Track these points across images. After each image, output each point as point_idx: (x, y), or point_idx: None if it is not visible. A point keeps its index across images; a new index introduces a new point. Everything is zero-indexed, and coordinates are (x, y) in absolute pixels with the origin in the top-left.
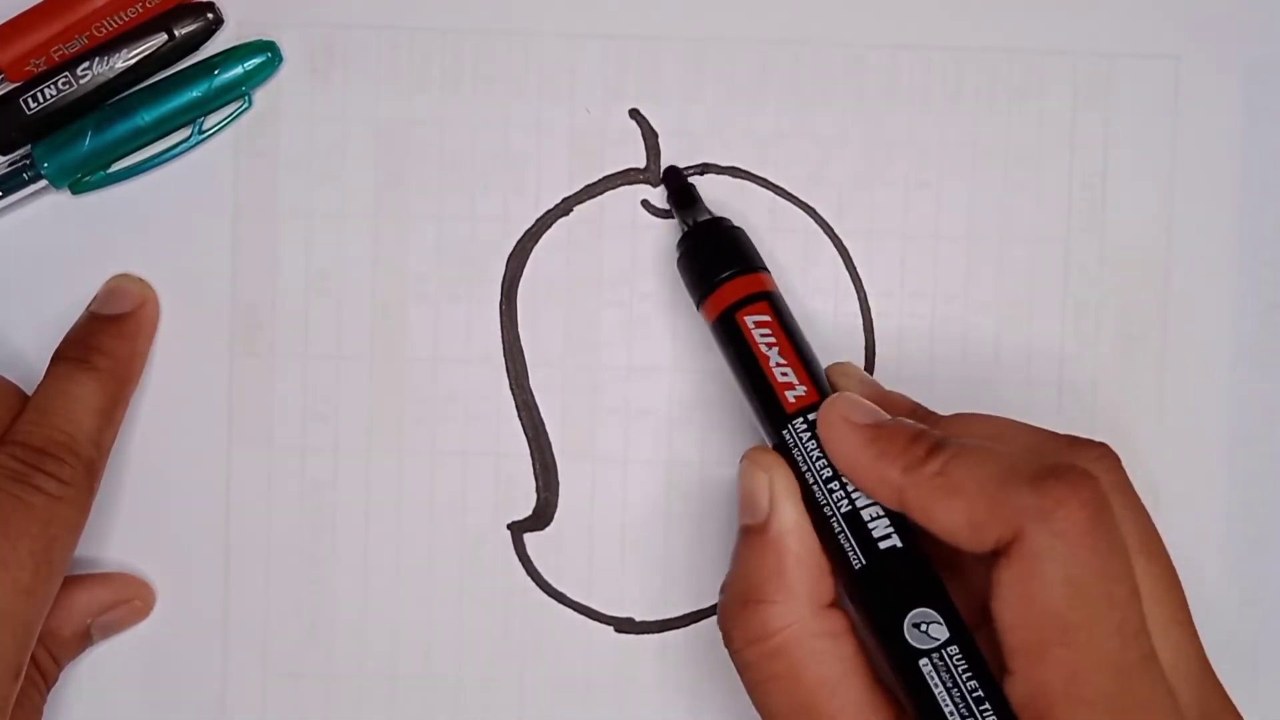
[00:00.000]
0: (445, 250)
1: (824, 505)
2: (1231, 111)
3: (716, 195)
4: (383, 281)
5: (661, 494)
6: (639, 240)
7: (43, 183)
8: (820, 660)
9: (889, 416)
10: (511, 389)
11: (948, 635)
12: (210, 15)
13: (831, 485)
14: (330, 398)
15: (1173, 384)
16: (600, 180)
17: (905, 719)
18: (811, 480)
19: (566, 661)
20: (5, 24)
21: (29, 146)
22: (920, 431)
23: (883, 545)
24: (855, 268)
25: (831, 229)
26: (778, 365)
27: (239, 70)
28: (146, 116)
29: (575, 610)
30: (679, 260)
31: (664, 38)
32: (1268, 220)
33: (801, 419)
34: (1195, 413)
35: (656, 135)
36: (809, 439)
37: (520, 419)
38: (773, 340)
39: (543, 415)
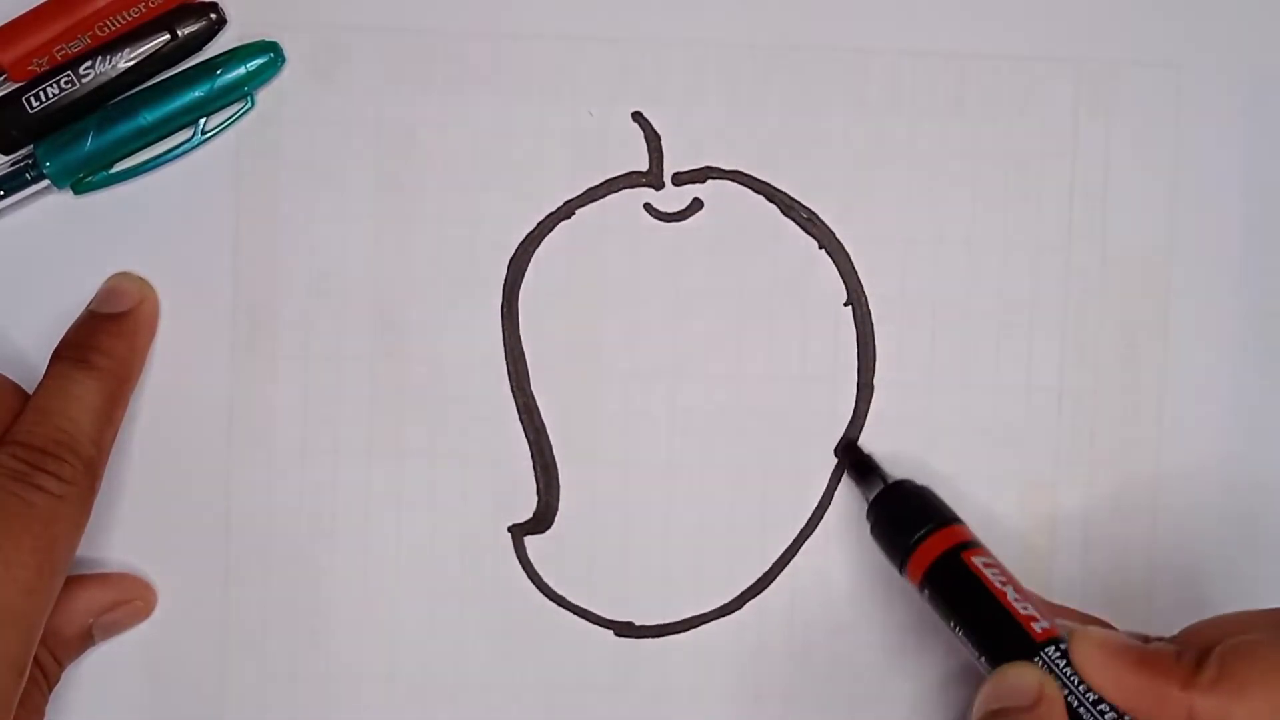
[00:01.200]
0: (447, 252)
1: None
2: (1233, 120)
3: (718, 199)
4: (384, 283)
5: (662, 498)
6: (641, 243)
7: (45, 182)
8: None
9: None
10: (512, 391)
11: None
12: (213, 15)
13: (1101, 707)
14: (331, 399)
15: (1173, 392)
16: (602, 183)
17: None
18: (1076, 703)
19: (566, 665)
20: (8, 23)
21: (31, 146)
22: (1179, 649)
23: None
24: (857, 273)
25: (833, 234)
26: (1017, 600)
27: (241, 71)
28: (149, 116)
29: (575, 614)
30: (873, 528)
31: (667, 41)
32: (1269, 228)
33: (1054, 647)
34: (1196, 421)
35: (659, 138)
36: (1064, 665)
37: (521, 422)
38: (1005, 579)
39: (544, 418)
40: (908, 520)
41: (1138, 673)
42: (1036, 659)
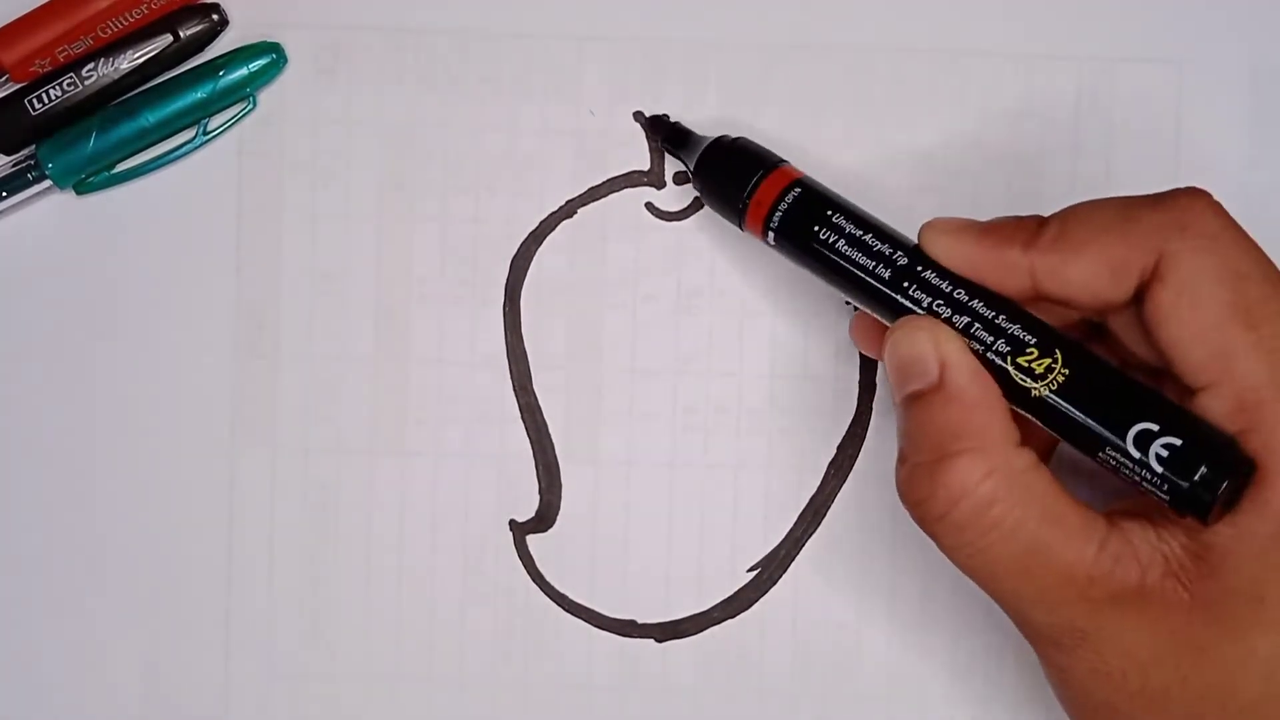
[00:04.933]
0: (449, 252)
1: (983, 348)
2: (1234, 117)
3: None
4: (386, 283)
5: (664, 497)
6: (643, 242)
7: (47, 183)
8: (1036, 496)
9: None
10: (515, 391)
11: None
12: (215, 16)
13: (976, 327)
14: (334, 399)
15: None
16: (604, 182)
17: (1113, 529)
18: (961, 326)
19: (568, 664)
20: (10, 24)
21: (33, 147)
22: (1023, 216)
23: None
24: None
25: None
26: (867, 234)
27: (244, 71)
28: (151, 117)
29: (577, 613)
30: (701, 195)
31: (668, 40)
32: (1270, 226)
33: (912, 276)
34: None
35: (661, 138)
36: (934, 280)
37: (523, 421)
38: (842, 224)
39: (546, 417)
40: (736, 171)
41: (981, 243)
42: (908, 286)
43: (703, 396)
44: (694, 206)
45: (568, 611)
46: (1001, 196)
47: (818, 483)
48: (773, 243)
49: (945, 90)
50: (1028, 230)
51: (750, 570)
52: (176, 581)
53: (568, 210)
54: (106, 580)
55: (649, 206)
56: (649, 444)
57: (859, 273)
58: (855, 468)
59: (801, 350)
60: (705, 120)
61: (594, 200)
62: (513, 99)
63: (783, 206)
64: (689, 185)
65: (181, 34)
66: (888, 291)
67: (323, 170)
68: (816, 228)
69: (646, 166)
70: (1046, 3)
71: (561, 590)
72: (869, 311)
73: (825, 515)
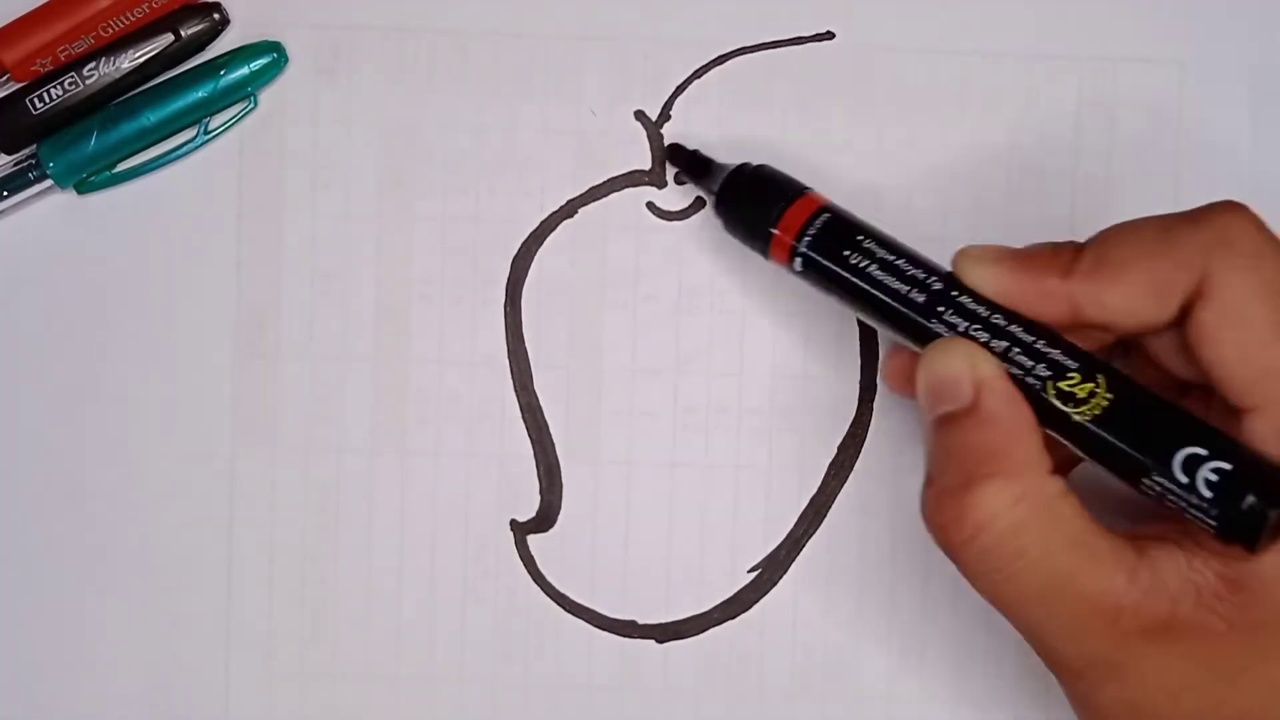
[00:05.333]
0: (450, 252)
1: (1022, 372)
2: (1236, 117)
3: None
4: (387, 282)
5: (665, 497)
6: (643, 242)
7: (48, 183)
8: (1065, 523)
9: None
10: (515, 390)
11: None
12: (216, 16)
13: (1013, 328)
14: (334, 398)
15: None
16: (605, 182)
17: (1143, 559)
18: (999, 351)
19: (568, 664)
20: (11, 24)
21: (34, 146)
22: (1058, 243)
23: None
24: None
25: None
26: (899, 260)
27: (245, 71)
28: (152, 117)
29: (577, 614)
30: (725, 223)
31: (669, 40)
32: (1272, 225)
33: (947, 301)
34: None
35: (662, 137)
36: (970, 304)
37: (524, 421)
38: (873, 249)
39: (546, 417)
40: (760, 200)
41: (1018, 272)
42: (943, 310)
43: (703, 396)
44: (695, 206)
45: (568, 612)
46: (1002, 196)
47: (818, 483)
48: (799, 269)
49: (946, 90)
50: (1065, 257)
51: (750, 571)
52: (176, 581)
53: (568, 210)
54: (106, 580)
55: (650, 206)
56: (650, 444)
57: (892, 299)
58: (856, 468)
59: (802, 350)
60: (705, 118)
61: (595, 200)
62: (513, 99)
63: (810, 233)
64: (689, 185)
65: (182, 33)
66: (921, 318)
67: (324, 169)
68: (847, 253)
69: (647, 166)
70: (1048, 3)
71: (562, 590)
72: (900, 339)
73: (826, 516)
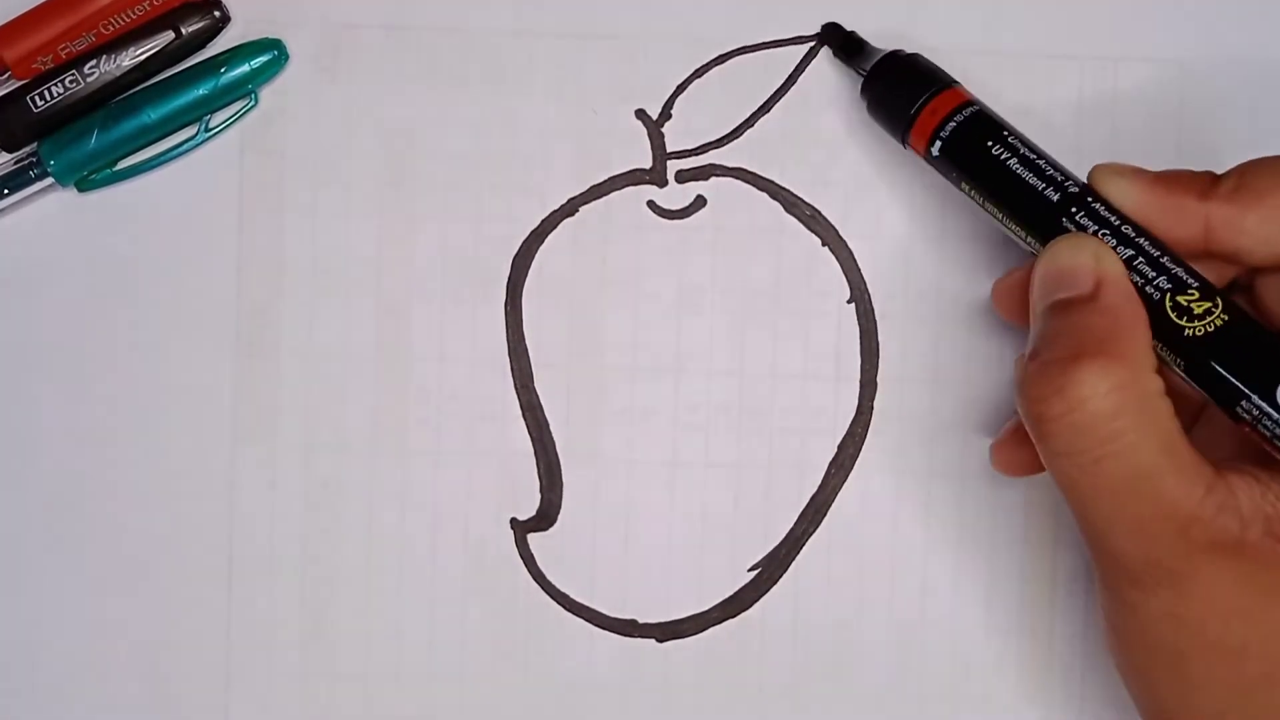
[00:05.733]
0: (450, 250)
1: (1143, 281)
2: (1236, 117)
3: (721, 196)
4: (388, 281)
5: (665, 496)
6: (644, 241)
7: (49, 180)
8: (1160, 422)
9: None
10: (516, 389)
11: None
12: (217, 13)
13: (1139, 260)
14: (335, 397)
15: None
16: (606, 181)
17: (1220, 478)
18: (1124, 258)
19: (568, 664)
20: (12, 21)
21: (35, 144)
22: (1196, 170)
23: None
24: (860, 270)
25: (836, 231)
26: (1039, 158)
27: (245, 68)
28: (152, 114)
29: (578, 613)
30: (868, 106)
31: (670, 39)
32: None
33: (1081, 204)
34: None
35: (663, 136)
36: (1103, 211)
37: (525, 419)
38: (1016, 145)
39: (547, 416)
40: (909, 85)
41: (1155, 189)
42: (1076, 211)
43: (703, 396)
44: (695, 205)
45: (568, 611)
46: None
47: (818, 482)
48: (936, 154)
49: None
50: (1203, 181)
51: (751, 570)
52: (176, 581)
53: (570, 208)
54: (106, 580)
55: (651, 205)
56: (650, 443)
57: (1026, 194)
58: (856, 467)
59: (802, 349)
60: (706, 119)
61: (596, 198)
62: (514, 97)
63: (955, 120)
64: (691, 183)
65: (183, 31)
66: (1054, 215)
67: (324, 167)
68: (990, 143)
69: (648, 165)
70: (1048, 3)
71: (562, 589)
72: (1022, 239)
73: (826, 515)
